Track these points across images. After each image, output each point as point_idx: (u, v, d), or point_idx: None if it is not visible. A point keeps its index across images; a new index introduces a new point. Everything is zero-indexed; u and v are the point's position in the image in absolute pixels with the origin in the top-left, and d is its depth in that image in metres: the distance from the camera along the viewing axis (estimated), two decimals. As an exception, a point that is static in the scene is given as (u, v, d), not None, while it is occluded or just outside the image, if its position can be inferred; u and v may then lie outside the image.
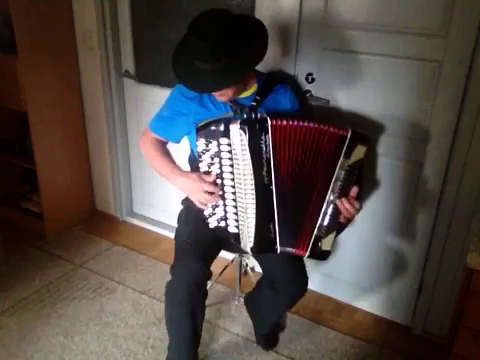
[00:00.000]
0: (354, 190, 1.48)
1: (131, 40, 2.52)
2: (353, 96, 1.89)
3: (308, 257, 1.52)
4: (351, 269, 2.18)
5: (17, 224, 2.79)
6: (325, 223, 1.49)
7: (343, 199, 1.46)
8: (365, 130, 1.82)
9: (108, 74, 2.56)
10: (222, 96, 1.52)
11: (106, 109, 2.65)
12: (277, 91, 1.65)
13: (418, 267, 1.99)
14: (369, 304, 2.20)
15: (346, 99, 1.91)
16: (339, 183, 1.46)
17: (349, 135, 1.44)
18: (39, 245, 2.64)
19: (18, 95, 2.41)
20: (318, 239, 1.51)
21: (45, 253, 2.58)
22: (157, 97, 2.16)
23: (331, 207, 1.48)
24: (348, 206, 1.46)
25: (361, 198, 1.51)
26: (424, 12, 1.64)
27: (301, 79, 1.97)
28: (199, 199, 1.54)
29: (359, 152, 1.46)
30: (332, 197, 1.47)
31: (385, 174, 1.94)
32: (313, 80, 1.95)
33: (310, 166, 1.45)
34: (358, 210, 1.49)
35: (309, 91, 1.97)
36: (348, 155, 1.45)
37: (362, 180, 1.53)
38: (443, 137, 1.75)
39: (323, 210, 1.48)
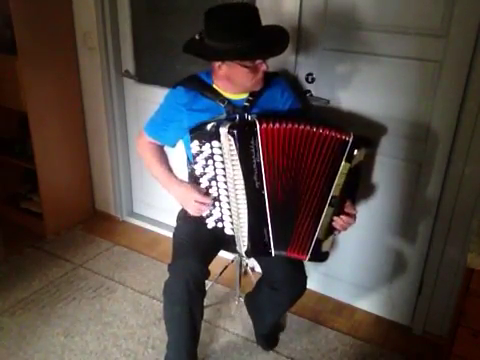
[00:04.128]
0: (350, 206, 1.49)
1: (131, 40, 2.52)
2: (353, 96, 1.89)
3: (309, 261, 1.53)
4: (351, 269, 2.18)
5: (17, 224, 2.79)
6: (325, 226, 1.49)
7: (341, 216, 1.48)
8: (365, 130, 1.84)
9: (108, 74, 2.56)
10: (261, 65, 1.48)
11: (106, 109, 2.65)
12: (271, 88, 1.63)
13: (418, 267, 1.99)
14: (369, 304, 2.20)
15: (346, 99, 1.91)
16: (339, 187, 1.44)
17: (351, 140, 1.41)
18: (39, 245, 2.64)
19: (18, 95, 2.41)
20: (319, 243, 1.50)
21: (45, 253, 2.58)
22: (157, 97, 2.14)
23: (331, 210, 1.47)
24: (344, 222, 1.49)
25: (357, 200, 1.53)
26: (424, 12, 1.64)
27: (301, 79, 1.97)
28: (191, 209, 1.55)
29: (360, 156, 1.43)
30: (332, 200, 1.45)
31: (385, 174, 1.94)
32: (313, 80, 1.95)
33: (306, 170, 1.44)
34: (354, 217, 1.51)
35: (309, 91, 1.96)
36: (349, 160, 1.41)
37: (359, 182, 1.53)
38: (443, 137, 1.75)
39: (324, 214, 1.47)
